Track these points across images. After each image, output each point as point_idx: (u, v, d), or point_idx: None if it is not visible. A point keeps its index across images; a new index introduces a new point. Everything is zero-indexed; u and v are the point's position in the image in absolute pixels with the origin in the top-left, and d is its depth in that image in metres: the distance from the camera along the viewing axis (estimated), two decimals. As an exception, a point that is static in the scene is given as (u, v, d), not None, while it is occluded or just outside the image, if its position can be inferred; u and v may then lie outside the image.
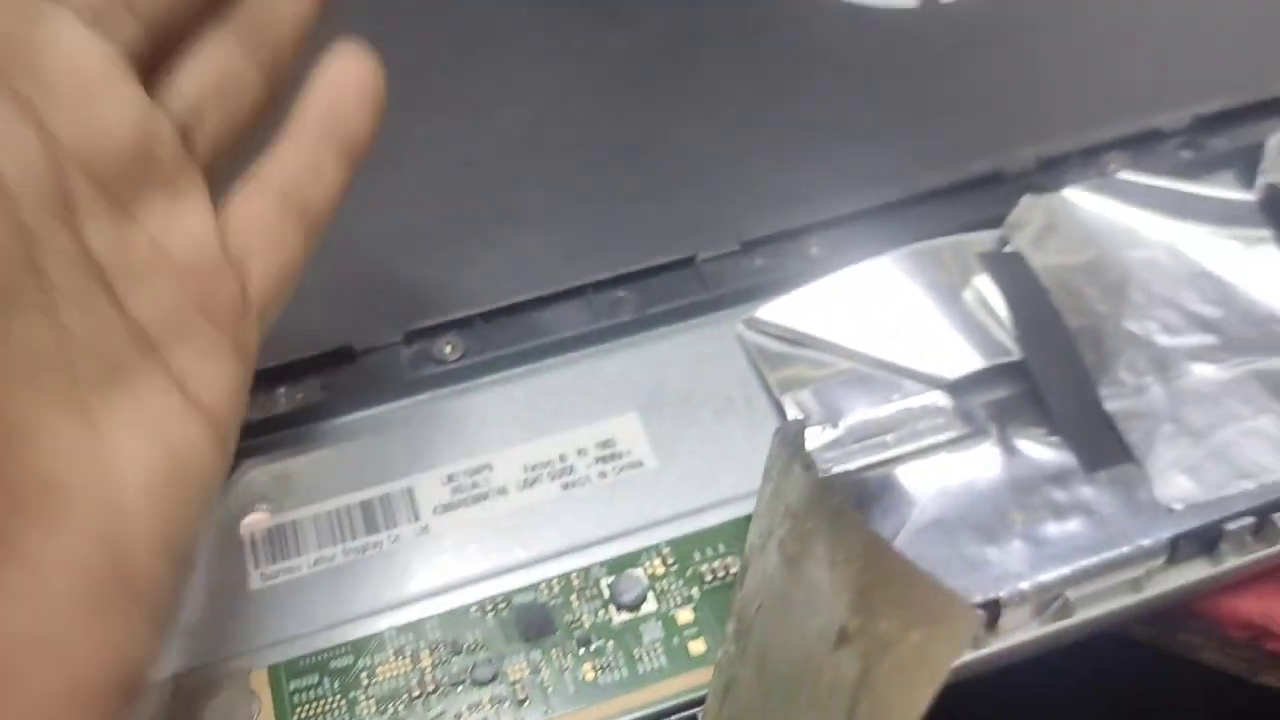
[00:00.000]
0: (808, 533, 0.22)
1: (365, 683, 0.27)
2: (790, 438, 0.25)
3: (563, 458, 0.32)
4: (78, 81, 0.21)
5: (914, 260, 0.34)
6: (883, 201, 0.36)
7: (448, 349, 0.33)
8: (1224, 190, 0.36)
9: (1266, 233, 0.35)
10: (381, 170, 0.37)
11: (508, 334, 0.34)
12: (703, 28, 0.43)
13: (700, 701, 0.27)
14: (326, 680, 0.27)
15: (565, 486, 0.31)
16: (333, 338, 0.33)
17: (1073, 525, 0.29)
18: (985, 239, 0.35)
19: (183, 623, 0.29)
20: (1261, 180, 0.35)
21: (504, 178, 0.38)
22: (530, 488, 0.31)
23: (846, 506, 0.22)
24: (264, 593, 0.29)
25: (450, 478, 0.31)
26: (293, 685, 0.27)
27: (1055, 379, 0.32)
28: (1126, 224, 0.35)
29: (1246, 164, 0.37)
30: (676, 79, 0.41)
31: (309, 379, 0.33)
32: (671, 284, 0.35)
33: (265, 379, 0.32)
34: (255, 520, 0.30)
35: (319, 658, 0.28)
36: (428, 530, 0.30)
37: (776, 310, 0.34)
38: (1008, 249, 0.34)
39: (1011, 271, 0.34)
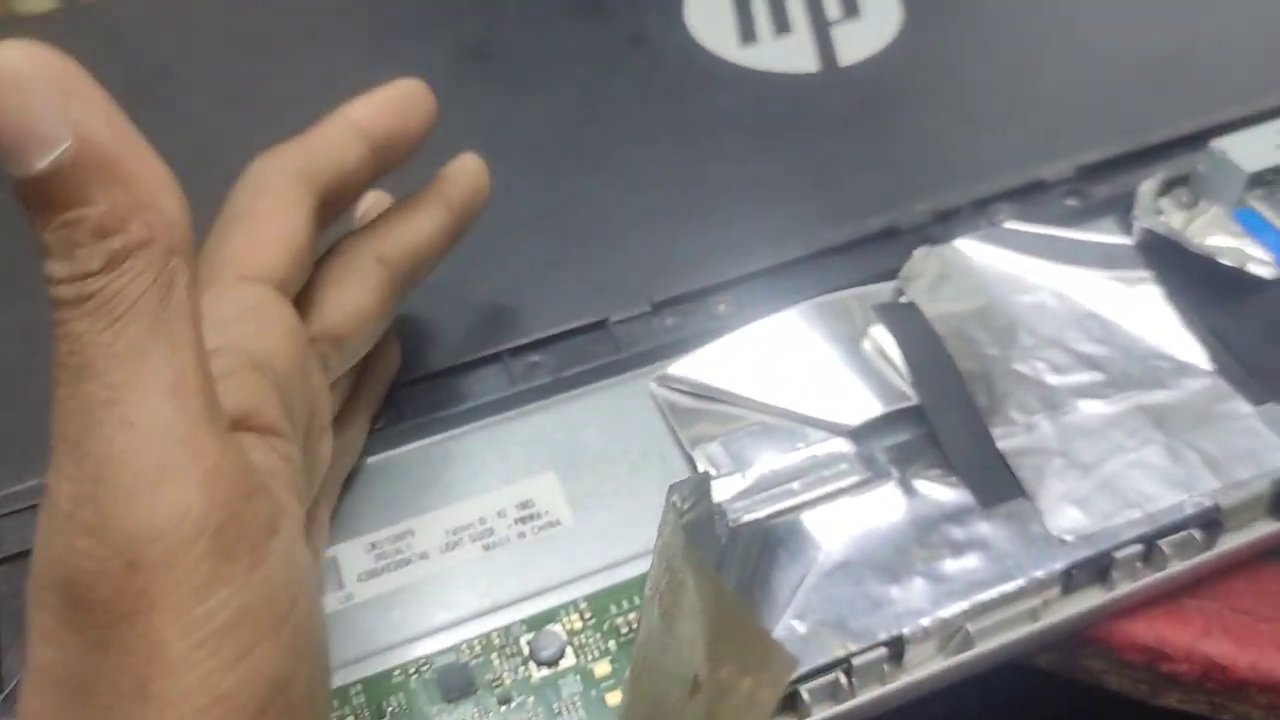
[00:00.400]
0: (679, 585, 0.23)
1: (294, 749, 0.28)
2: (675, 492, 0.27)
3: (483, 520, 0.33)
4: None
5: (816, 313, 0.36)
6: (786, 258, 0.38)
7: (369, 419, 0.34)
8: (1105, 235, 0.38)
9: (1146, 273, 0.37)
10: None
11: (427, 401, 0.35)
12: (613, 97, 0.45)
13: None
14: (256, 748, 0.28)
15: (486, 548, 0.32)
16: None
17: (970, 561, 0.31)
18: (882, 290, 0.37)
19: None
20: (1136, 225, 0.37)
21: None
22: (451, 551, 0.32)
23: (707, 560, 0.23)
24: (194, 666, 0.30)
25: (373, 545, 0.32)
26: (223, 754, 0.28)
27: (950, 422, 0.33)
28: (1014, 271, 0.37)
29: (1126, 209, 0.39)
30: (588, 148, 0.43)
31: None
32: (585, 346, 0.36)
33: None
34: (184, 595, 0.31)
35: (248, 726, 0.29)
36: (352, 598, 0.31)
37: (686, 367, 0.35)
38: (903, 299, 0.36)
39: (906, 321, 0.35)
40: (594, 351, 0.36)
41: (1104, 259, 0.37)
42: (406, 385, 0.35)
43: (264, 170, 0.29)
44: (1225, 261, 0.36)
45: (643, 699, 0.24)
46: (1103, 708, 0.35)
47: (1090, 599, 0.31)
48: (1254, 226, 0.38)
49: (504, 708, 0.29)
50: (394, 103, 0.31)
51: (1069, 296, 0.36)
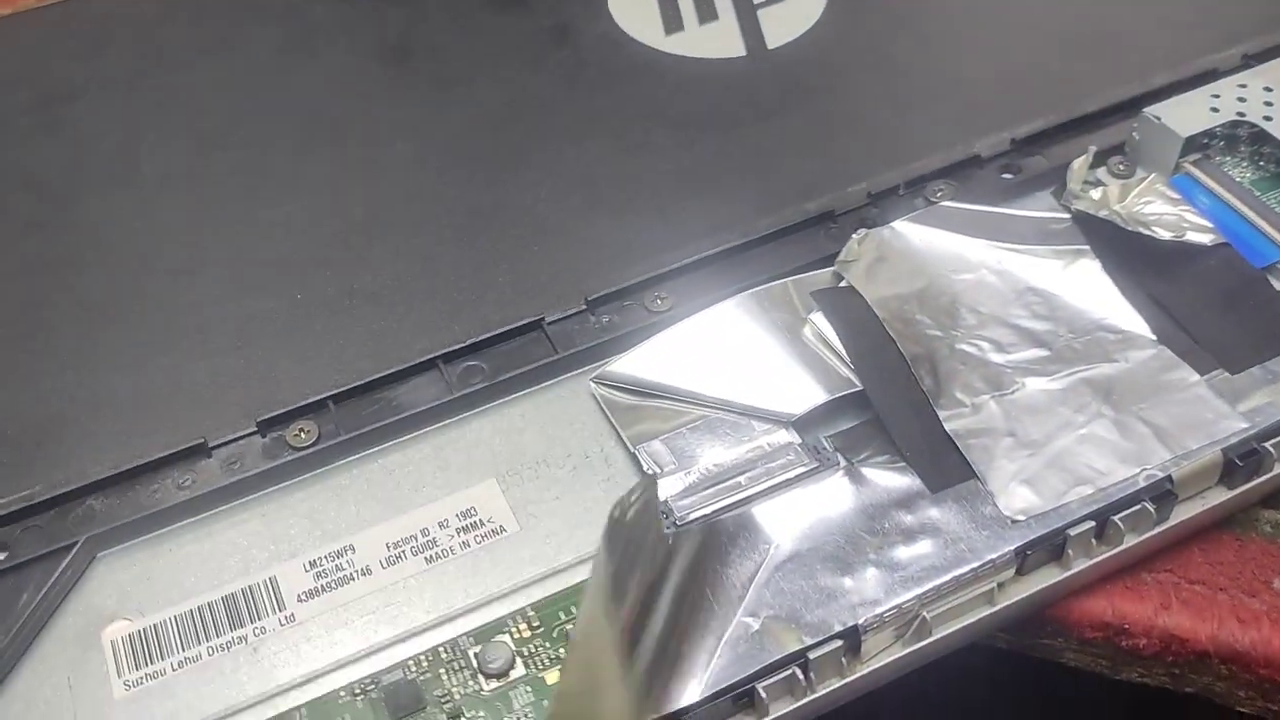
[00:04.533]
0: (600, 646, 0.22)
1: (237, 781, 0.27)
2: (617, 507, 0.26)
3: (424, 532, 0.32)
4: None
5: (754, 303, 0.35)
6: (722, 247, 0.37)
7: (301, 434, 0.33)
8: (1041, 210, 0.38)
9: (1084, 246, 0.36)
10: (228, 259, 0.38)
11: (362, 414, 0.34)
12: (539, 92, 0.44)
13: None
14: (197, 783, 0.27)
15: (428, 560, 0.31)
16: (186, 434, 0.33)
17: (923, 546, 0.30)
18: (821, 276, 0.36)
19: (46, 742, 0.28)
20: (1071, 206, 0.37)
21: (349, 259, 0.38)
22: (394, 565, 0.31)
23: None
24: (128, 701, 0.29)
25: (313, 563, 0.31)
26: (162, 792, 0.27)
27: (895, 406, 0.33)
28: (953, 250, 0.36)
29: (1063, 181, 0.38)
30: (515, 145, 0.42)
31: (165, 477, 0.32)
32: (521, 349, 0.35)
33: (121, 480, 0.32)
34: (116, 629, 0.30)
35: (188, 760, 0.28)
36: (293, 619, 0.30)
37: (626, 364, 0.34)
38: (841, 284, 0.36)
39: (845, 306, 0.35)
40: (531, 353, 0.35)
41: (1042, 234, 0.37)
42: (339, 398, 0.34)
43: None
44: (1162, 231, 0.36)
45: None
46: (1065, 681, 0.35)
47: (1046, 578, 0.31)
48: (1191, 192, 0.38)
49: (454, 724, 0.28)
50: None
51: (1009, 273, 0.36)
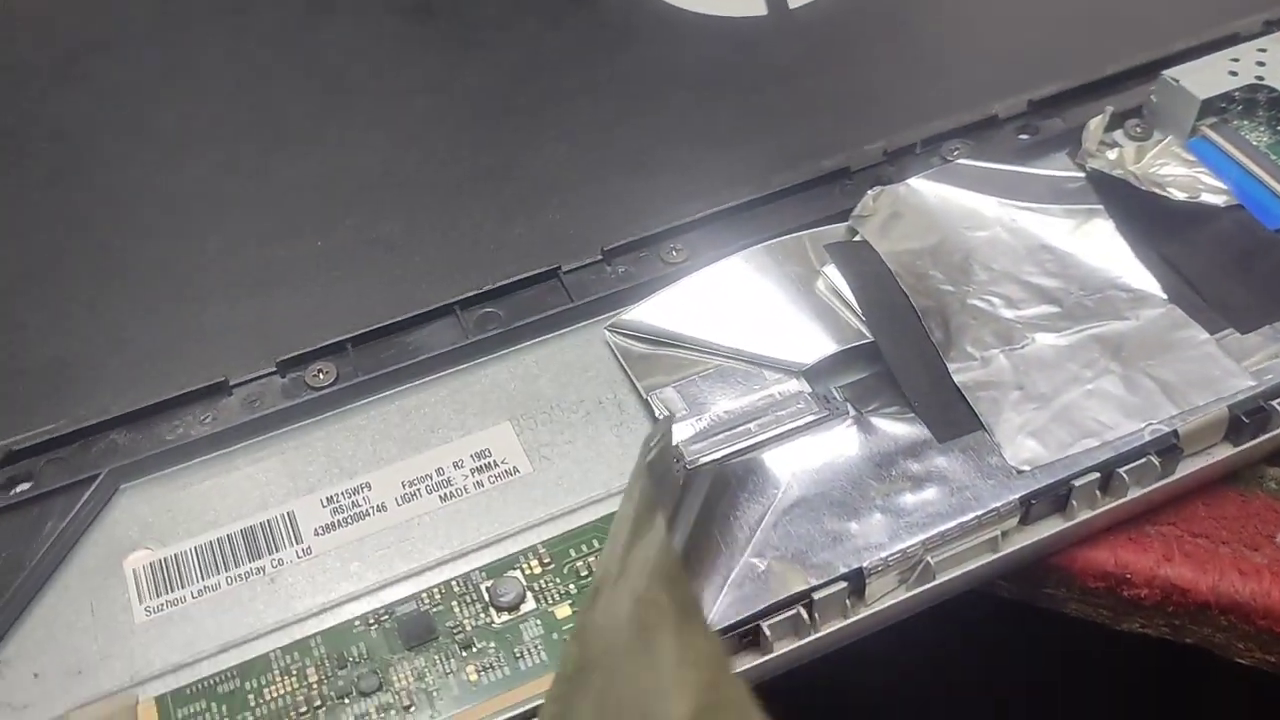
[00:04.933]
0: (661, 608, 0.22)
1: (253, 703, 0.28)
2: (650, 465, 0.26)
3: (440, 471, 0.32)
4: None
5: (768, 256, 0.36)
6: (738, 202, 0.37)
7: (320, 375, 0.34)
8: (1056, 169, 0.38)
9: (1098, 206, 0.37)
10: (247, 209, 0.38)
11: (379, 357, 0.34)
12: (558, 49, 0.44)
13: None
14: (214, 705, 0.28)
15: (443, 499, 0.32)
16: (207, 374, 0.34)
17: (929, 494, 0.31)
18: (835, 231, 0.36)
19: (70, 662, 0.29)
20: (1087, 165, 0.37)
21: (368, 210, 0.39)
22: (409, 502, 0.32)
23: (696, 604, 0.22)
24: (149, 625, 0.30)
25: (330, 499, 0.32)
26: (181, 713, 0.28)
27: (905, 357, 0.33)
28: (968, 207, 0.37)
29: (1079, 143, 0.38)
30: (534, 102, 0.42)
31: (187, 414, 0.33)
32: (537, 297, 0.36)
33: (144, 416, 0.33)
34: (137, 558, 0.31)
35: (205, 684, 0.28)
36: (310, 551, 0.31)
37: (640, 314, 0.35)
38: (856, 239, 0.36)
39: (859, 259, 0.35)
40: (546, 301, 0.36)
41: (1056, 193, 0.37)
42: (358, 341, 0.34)
43: None
44: (1177, 192, 0.36)
45: (598, 691, 0.23)
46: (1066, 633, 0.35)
47: (1049, 528, 0.31)
48: (1207, 155, 0.38)
49: (466, 653, 0.28)
50: None
51: (1023, 230, 0.36)
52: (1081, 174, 0.37)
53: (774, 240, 0.36)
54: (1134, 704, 0.53)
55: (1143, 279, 0.35)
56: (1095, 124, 0.38)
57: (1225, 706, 0.50)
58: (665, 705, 0.20)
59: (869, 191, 0.37)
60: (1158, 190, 0.36)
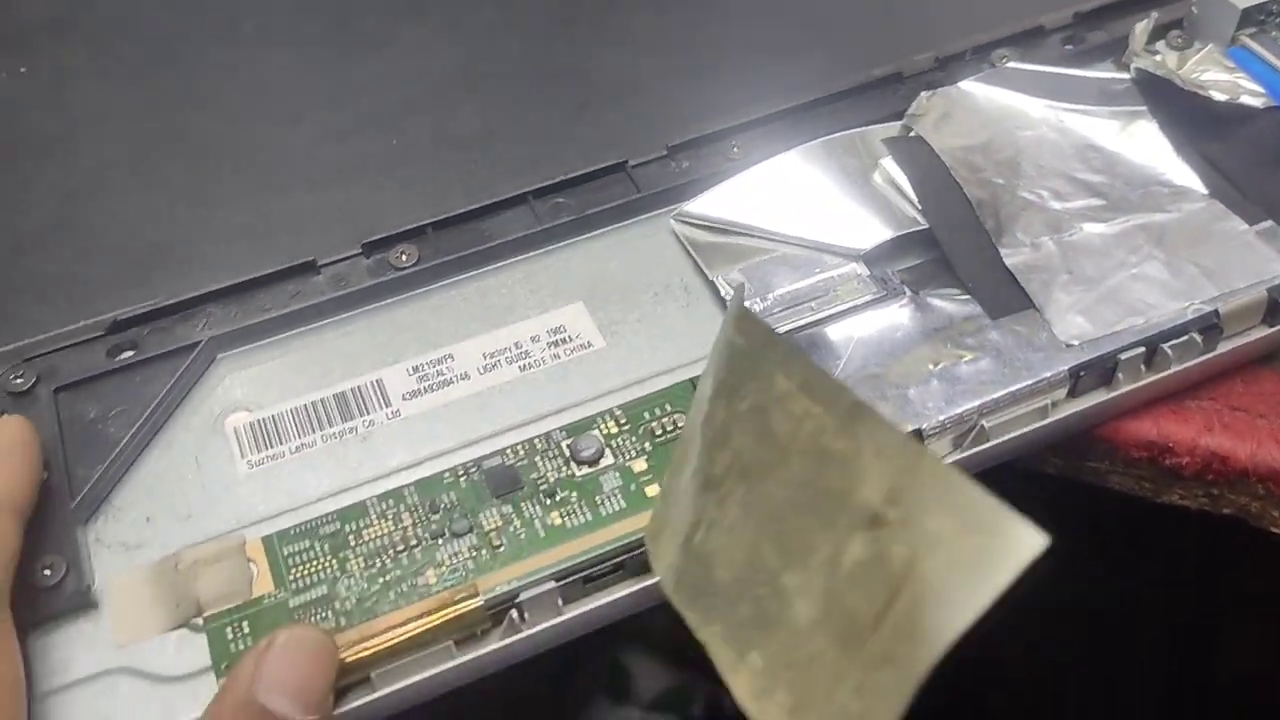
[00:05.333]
0: (818, 418, 0.24)
1: (353, 543, 0.30)
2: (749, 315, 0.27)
3: (518, 344, 0.34)
4: None
5: (825, 150, 0.37)
6: (795, 103, 0.39)
7: (403, 257, 0.36)
8: (1102, 72, 0.39)
9: (1142, 108, 0.38)
10: (324, 109, 0.40)
11: (458, 241, 0.36)
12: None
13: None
14: (317, 544, 0.30)
15: (522, 369, 0.34)
16: (295, 254, 0.36)
17: (982, 364, 0.32)
18: (889, 129, 0.38)
19: (180, 508, 0.31)
20: (1131, 65, 0.39)
21: (441, 109, 0.41)
22: (490, 372, 0.34)
23: (864, 405, 0.23)
24: (252, 477, 0.32)
25: (415, 369, 0.34)
26: (286, 550, 0.30)
27: (959, 242, 0.35)
28: (1016, 108, 0.38)
29: (1122, 54, 0.40)
30: (600, 9, 0.44)
31: (278, 290, 0.35)
32: (606, 188, 0.38)
33: (237, 291, 0.35)
34: (237, 418, 0.33)
35: (308, 526, 0.30)
36: (399, 414, 0.33)
37: (704, 204, 0.37)
38: (911, 135, 0.38)
39: (915, 153, 0.37)
40: (614, 192, 0.37)
41: (1102, 95, 0.39)
42: (438, 226, 0.36)
43: None
44: (1218, 95, 0.38)
45: (741, 502, 0.25)
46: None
47: (1096, 398, 0.33)
48: (1246, 62, 0.39)
49: (550, 501, 0.30)
50: (23, 461, 0.30)
51: (1069, 130, 0.38)
52: (1126, 77, 0.39)
53: (831, 136, 0.38)
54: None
55: (1185, 175, 0.37)
56: (1140, 28, 0.39)
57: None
58: (859, 488, 0.22)
59: (922, 93, 0.38)
60: (1199, 92, 0.38)
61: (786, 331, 0.33)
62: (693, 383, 0.33)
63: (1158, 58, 0.39)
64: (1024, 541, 0.19)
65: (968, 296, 0.34)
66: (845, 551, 0.22)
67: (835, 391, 0.23)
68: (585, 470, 0.31)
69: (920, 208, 0.36)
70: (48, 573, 0.29)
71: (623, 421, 0.32)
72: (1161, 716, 0.69)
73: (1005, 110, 0.38)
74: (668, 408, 0.32)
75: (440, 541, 0.30)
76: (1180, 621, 0.69)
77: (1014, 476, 0.33)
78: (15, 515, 0.29)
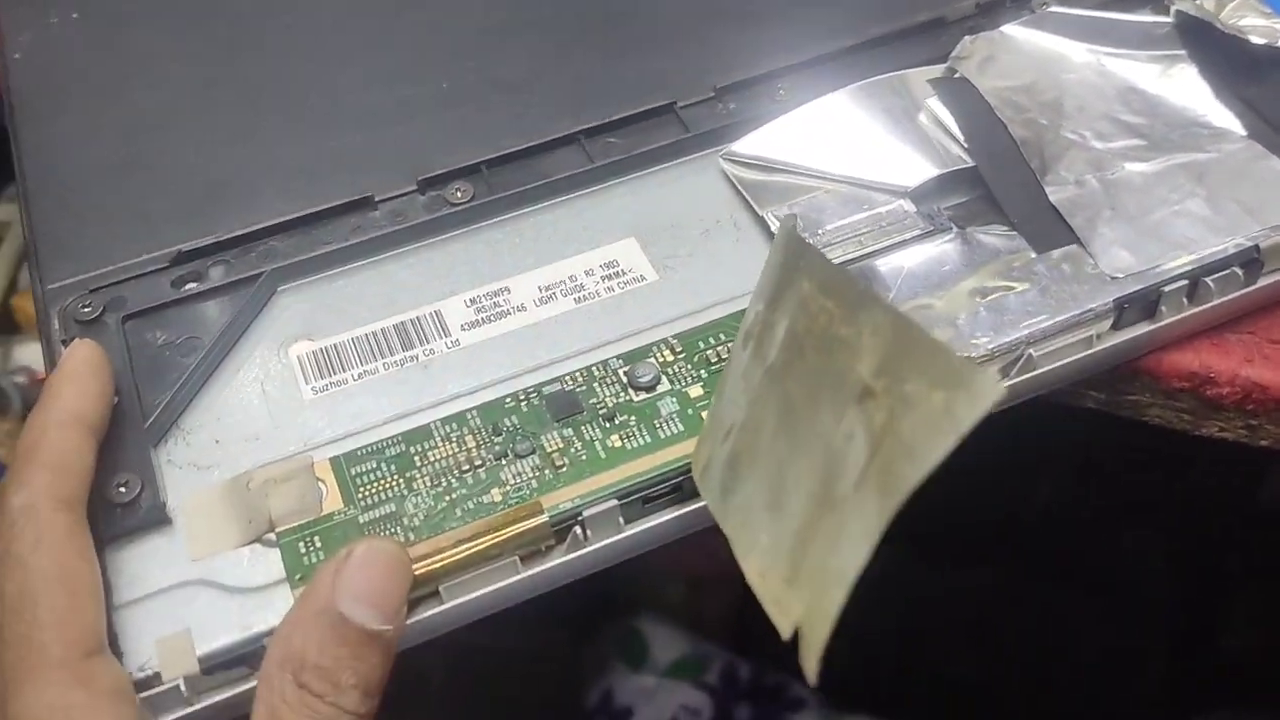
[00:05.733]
0: (830, 311, 0.25)
1: (419, 463, 0.31)
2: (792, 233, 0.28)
3: (572, 278, 0.35)
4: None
5: (870, 92, 0.38)
6: (839, 47, 0.40)
7: (459, 193, 0.36)
8: (1143, 16, 0.40)
9: (1182, 52, 0.39)
10: (374, 53, 0.41)
11: (511, 178, 0.37)
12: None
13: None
14: (384, 465, 0.31)
15: (577, 301, 0.35)
16: (352, 191, 0.36)
17: (1029, 296, 0.33)
18: (933, 71, 0.39)
19: (247, 430, 0.32)
20: (1171, 9, 0.39)
21: (489, 53, 0.41)
22: (546, 304, 0.34)
23: (868, 292, 0.24)
24: (317, 402, 0.32)
25: (473, 300, 0.35)
26: (354, 470, 0.31)
27: (1004, 179, 0.36)
28: (1058, 51, 0.39)
29: (1161, 1, 0.41)
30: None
31: (337, 224, 0.36)
32: (655, 129, 0.38)
33: (297, 225, 0.36)
34: (300, 347, 0.34)
35: (374, 447, 0.31)
36: (458, 344, 0.34)
37: (753, 143, 0.37)
38: (955, 76, 0.38)
39: (960, 93, 0.38)
40: (663, 133, 0.38)
41: (1143, 39, 0.39)
42: (492, 164, 0.37)
43: (34, 513, 0.28)
44: (1256, 39, 0.39)
45: (775, 403, 0.26)
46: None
47: (1139, 330, 0.33)
48: (1283, 8, 0.40)
49: (609, 424, 0.31)
50: (95, 381, 0.31)
51: (1110, 74, 0.39)
52: (1166, 20, 0.40)
53: (877, 78, 0.38)
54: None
55: (1224, 118, 0.37)
56: (1185, -33, 0.40)
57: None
58: (855, 366, 0.23)
59: (966, 36, 0.39)
60: (1238, 36, 0.38)
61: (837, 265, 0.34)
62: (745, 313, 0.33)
63: (1197, 2, 0.40)
64: (983, 389, 0.20)
65: (1013, 232, 0.35)
66: (839, 427, 0.23)
67: (846, 283, 0.24)
68: (643, 395, 0.32)
69: (966, 146, 0.36)
70: (123, 490, 0.30)
71: (678, 350, 0.33)
72: (1164, 685, 0.70)
73: (1047, 54, 0.39)
74: (721, 337, 0.33)
75: (504, 462, 0.31)
76: (1186, 593, 0.71)
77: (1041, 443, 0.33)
78: (87, 431, 0.30)
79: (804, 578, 0.23)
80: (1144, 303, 0.33)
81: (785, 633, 0.23)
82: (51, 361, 0.33)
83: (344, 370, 0.33)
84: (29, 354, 0.71)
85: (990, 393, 0.20)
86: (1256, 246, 0.34)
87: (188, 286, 0.35)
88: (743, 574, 0.26)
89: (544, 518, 0.29)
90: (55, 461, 0.28)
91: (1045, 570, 0.69)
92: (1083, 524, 0.71)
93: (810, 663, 0.22)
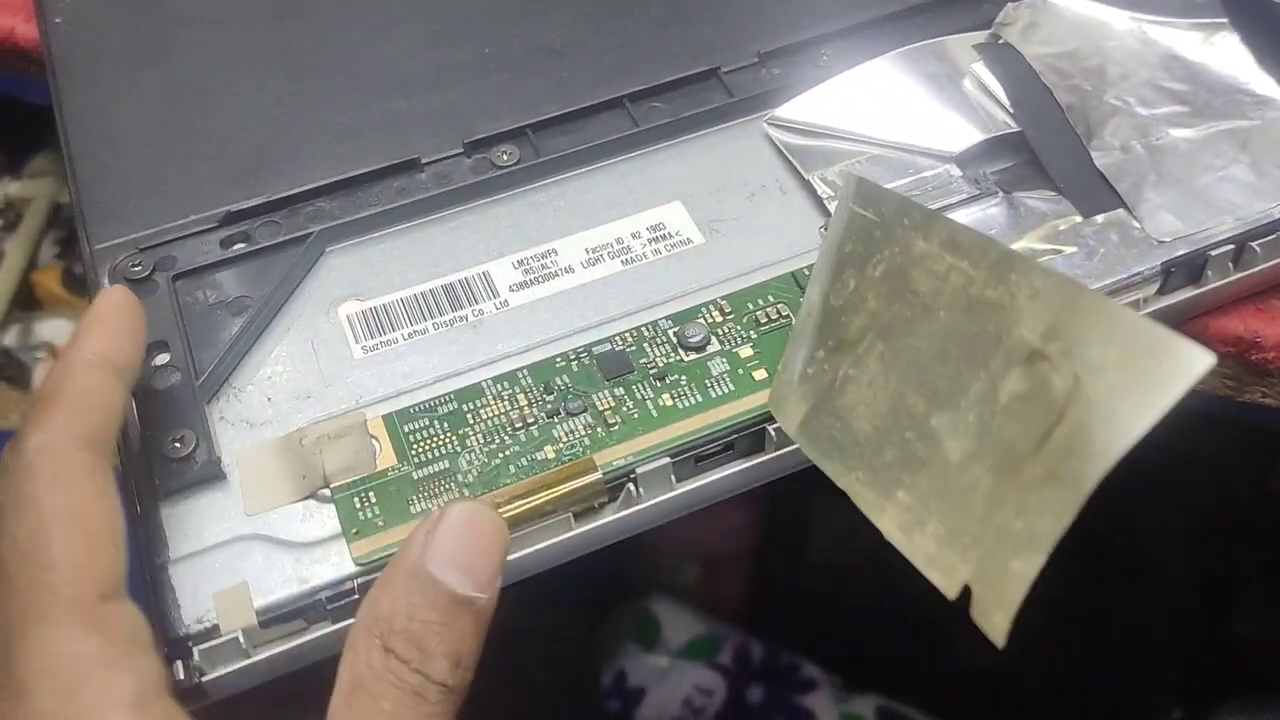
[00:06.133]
0: (964, 273, 0.25)
1: (471, 421, 0.31)
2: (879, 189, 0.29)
3: (619, 240, 0.35)
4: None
5: (914, 57, 0.38)
6: (882, 13, 0.40)
7: (504, 156, 0.37)
8: (1186, -17, 0.40)
9: (1224, 20, 0.39)
10: (424, 18, 0.41)
11: (557, 142, 0.37)
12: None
13: (766, 418, 0.30)
14: (436, 422, 0.31)
15: (625, 263, 0.35)
16: (400, 153, 0.36)
17: (1076, 259, 0.33)
18: (977, 37, 0.39)
19: (299, 389, 0.32)
20: (1217, -26, 0.40)
21: (532, 20, 0.41)
22: (593, 266, 0.35)
23: (1016, 255, 0.24)
24: (367, 362, 0.33)
25: (520, 262, 0.35)
26: (407, 428, 0.31)
27: (1050, 144, 0.36)
28: (1100, 19, 0.39)
29: (1203, -34, 0.41)
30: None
31: (384, 186, 0.36)
32: (699, 94, 0.38)
33: (344, 187, 0.36)
34: (349, 306, 0.34)
35: (426, 405, 0.31)
36: (507, 304, 0.34)
37: (797, 108, 0.37)
38: (1000, 42, 0.38)
39: (1006, 59, 0.38)
40: (708, 98, 0.38)
41: (1184, 7, 0.39)
42: (537, 128, 0.37)
43: (51, 452, 0.26)
44: (1298, 7, 0.39)
45: (880, 358, 0.26)
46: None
47: (1185, 294, 0.34)
48: (1325, -23, 0.40)
49: (660, 383, 0.31)
50: (125, 324, 0.29)
51: (1153, 41, 0.39)
52: (1210, -12, 0.40)
53: (920, 44, 0.38)
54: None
55: (1267, 85, 0.37)
56: (1226, -62, 0.40)
57: None
58: (1014, 329, 0.23)
59: (1009, 3, 0.39)
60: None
61: (883, 228, 0.34)
62: (794, 275, 0.34)
63: (1239, -30, 0.40)
64: (1192, 359, 0.20)
65: (1059, 196, 0.35)
66: (1001, 388, 0.23)
67: (983, 245, 0.24)
68: (693, 355, 0.32)
69: (1012, 111, 0.36)
70: (178, 445, 0.30)
71: (727, 310, 0.33)
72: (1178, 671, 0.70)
73: (1089, 21, 0.39)
74: (770, 298, 0.33)
75: (556, 420, 0.31)
76: (1202, 579, 0.71)
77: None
78: (113, 372, 0.28)
79: (975, 539, 0.23)
80: (1190, 267, 0.33)
81: (950, 592, 0.23)
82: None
83: (393, 330, 0.33)
84: (50, 329, 0.71)
85: (1198, 362, 0.20)
86: (1303, 211, 0.34)
87: (236, 246, 0.35)
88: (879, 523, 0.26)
89: (598, 474, 0.30)
90: (77, 401, 0.27)
91: (1059, 553, 0.70)
92: (1099, 507, 0.71)
93: (1000, 623, 0.22)
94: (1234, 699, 0.65)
